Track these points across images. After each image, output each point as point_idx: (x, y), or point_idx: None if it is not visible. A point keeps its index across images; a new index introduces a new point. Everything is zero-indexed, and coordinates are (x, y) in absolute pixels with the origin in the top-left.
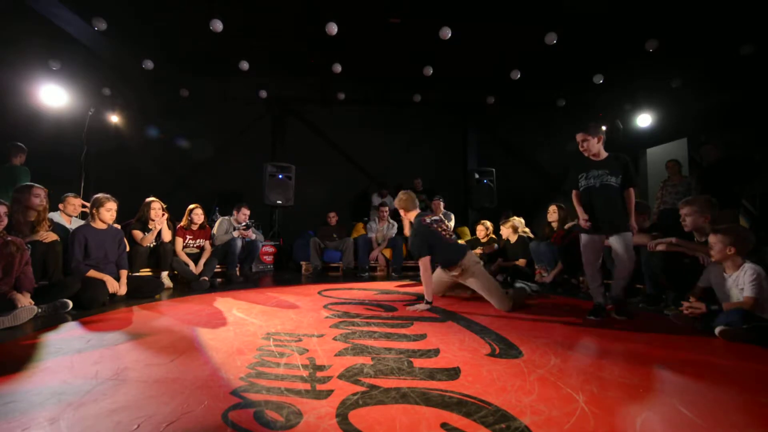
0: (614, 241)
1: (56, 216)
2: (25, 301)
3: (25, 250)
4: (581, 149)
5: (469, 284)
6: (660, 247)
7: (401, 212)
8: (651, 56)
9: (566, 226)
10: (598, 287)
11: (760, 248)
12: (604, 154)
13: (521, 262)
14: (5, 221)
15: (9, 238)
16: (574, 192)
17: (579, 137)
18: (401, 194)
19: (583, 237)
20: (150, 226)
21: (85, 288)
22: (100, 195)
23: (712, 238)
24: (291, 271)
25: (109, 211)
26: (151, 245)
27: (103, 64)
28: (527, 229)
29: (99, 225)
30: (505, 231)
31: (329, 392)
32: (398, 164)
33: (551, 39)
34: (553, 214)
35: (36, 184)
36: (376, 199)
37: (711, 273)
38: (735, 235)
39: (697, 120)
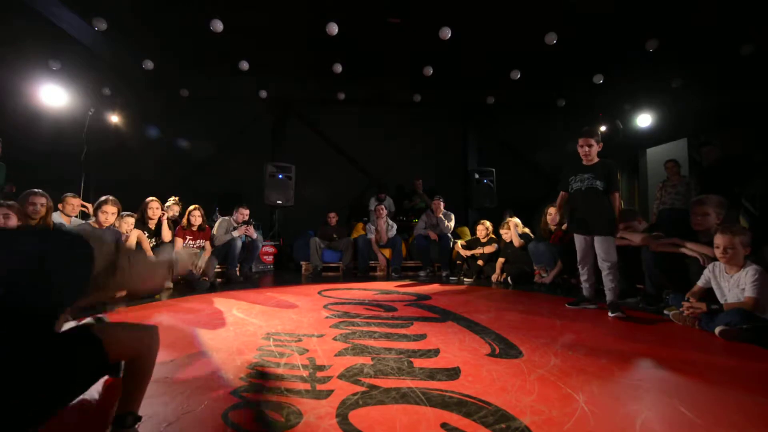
0: (596, 243)
1: (56, 216)
2: None
3: None
4: (582, 153)
5: None
6: (662, 248)
7: None
8: (651, 56)
9: (563, 227)
10: (588, 285)
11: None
12: (595, 160)
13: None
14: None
15: None
16: (561, 193)
17: (583, 142)
18: None
19: (575, 236)
20: (150, 226)
21: None
22: (103, 197)
23: (732, 240)
24: (291, 271)
25: (104, 214)
26: (151, 245)
27: (103, 64)
28: (527, 229)
29: (97, 225)
30: (506, 234)
31: (329, 392)
32: (398, 164)
33: (551, 39)
34: (550, 216)
35: (36, 191)
36: (373, 203)
37: (711, 273)
38: (749, 235)
39: (697, 120)
